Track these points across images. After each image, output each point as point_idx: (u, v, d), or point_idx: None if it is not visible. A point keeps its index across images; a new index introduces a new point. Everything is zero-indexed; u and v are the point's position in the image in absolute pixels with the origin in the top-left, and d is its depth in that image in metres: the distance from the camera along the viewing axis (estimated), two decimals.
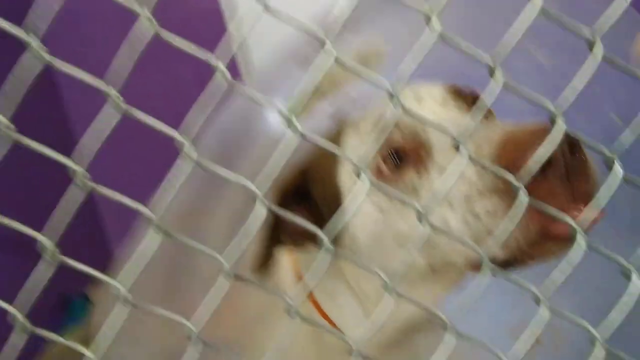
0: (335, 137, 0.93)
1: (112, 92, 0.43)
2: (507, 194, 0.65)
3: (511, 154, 0.64)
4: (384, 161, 0.81)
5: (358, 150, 0.88)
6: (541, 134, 0.60)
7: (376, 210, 0.82)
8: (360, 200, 0.50)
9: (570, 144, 0.62)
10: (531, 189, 0.61)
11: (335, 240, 0.89)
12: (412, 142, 0.81)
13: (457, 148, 0.49)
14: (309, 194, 0.96)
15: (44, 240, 0.48)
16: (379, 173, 0.82)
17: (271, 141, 1.00)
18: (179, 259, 0.87)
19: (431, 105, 0.86)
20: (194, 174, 0.70)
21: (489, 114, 0.92)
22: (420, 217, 0.52)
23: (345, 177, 0.89)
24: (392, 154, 0.81)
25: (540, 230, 0.64)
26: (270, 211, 0.51)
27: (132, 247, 0.68)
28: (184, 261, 0.88)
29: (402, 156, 0.81)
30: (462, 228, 0.71)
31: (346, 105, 1.04)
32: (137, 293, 0.76)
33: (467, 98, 0.88)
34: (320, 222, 0.94)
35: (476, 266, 0.75)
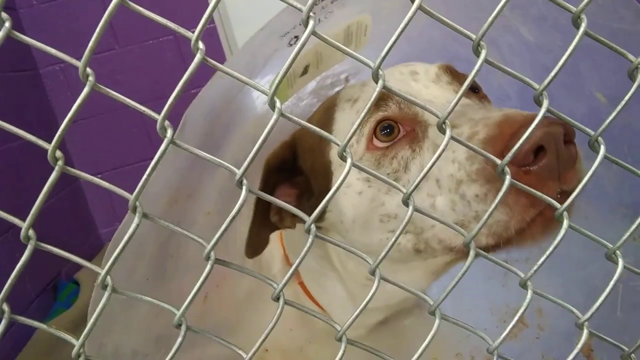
0: (329, 110, 0.92)
1: (85, 68, 0.42)
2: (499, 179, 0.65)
3: (506, 136, 0.64)
4: (378, 134, 0.81)
5: (351, 124, 0.88)
6: (540, 125, 0.60)
7: (364, 184, 0.82)
8: (342, 179, 0.49)
9: (566, 135, 0.62)
10: (522, 175, 0.61)
11: (322, 217, 0.90)
12: (409, 117, 0.81)
13: (443, 127, 0.49)
14: (296, 165, 0.97)
15: (25, 226, 0.47)
16: (371, 145, 0.82)
17: (255, 118, 1.00)
18: (166, 243, 0.86)
19: (424, 81, 0.86)
20: (180, 155, 0.69)
21: (485, 100, 0.92)
22: (405, 199, 0.51)
23: (336, 149, 0.89)
24: (388, 127, 0.81)
25: (526, 214, 0.64)
26: (252, 193, 0.50)
27: (118, 234, 0.68)
28: (171, 245, 0.88)
29: (398, 130, 0.81)
30: (447, 210, 0.71)
31: (332, 81, 1.03)
32: (126, 279, 0.76)
33: (460, 77, 0.88)
34: (308, 192, 0.95)
35: (458, 251, 0.75)
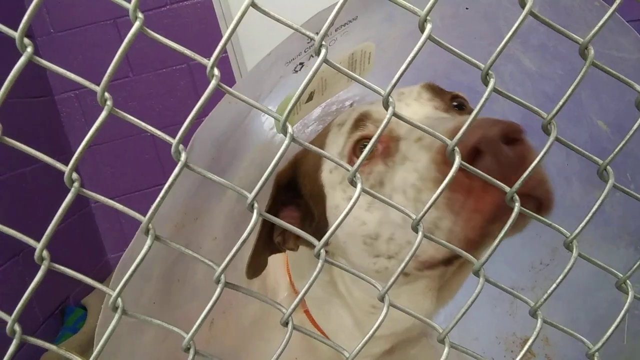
0: (324, 135, 0.95)
1: (104, 93, 0.43)
2: (452, 197, 0.65)
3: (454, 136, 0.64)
4: (358, 153, 0.84)
5: (336, 146, 0.90)
6: (484, 120, 0.60)
7: (348, 201, 0.82)
8: (353, 203, 0.49)
9: (509, 135, 0.61)
10: (463, 179, 0.62)
11: (327, 242, 0.91)
12: (385, 134, 0.83)
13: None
14: (297, 188, 0.98)
15: (39, 247, 0.48)
16: (351, 163, 0.82)
17: (261, 144, 1.01)
18: (173, 267, 0.87)
19: (407, 100, 0.89)
20: (187, 179, 0.70)
21: (465, 111, 0.93)
22: (415, 224, 0.51)
23: (325, 172, 0.91)
24: (365, 147, 0.82)
25: (477, 207, 0.63)
26: (262, 217, 0.51)
27: (127, 255, 0.68)
28: (178, 269, 0.88)
29: (377, 148, 0.82)
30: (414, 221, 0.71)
31: (337, 108, 1.05)
32: (133, 302, 0.77)
33: (444, 94, 0.90)
34: (310, 216, 0.96)
35: (428, 266, 0.74)
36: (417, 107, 0.87)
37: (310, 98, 1.02)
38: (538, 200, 0.65)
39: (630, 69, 0.84)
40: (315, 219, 0.95)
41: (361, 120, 0.86)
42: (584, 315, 1.13)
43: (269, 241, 0.97)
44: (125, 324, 0.54)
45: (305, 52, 0.85)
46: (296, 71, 0.89)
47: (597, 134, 1.01)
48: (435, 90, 0.91)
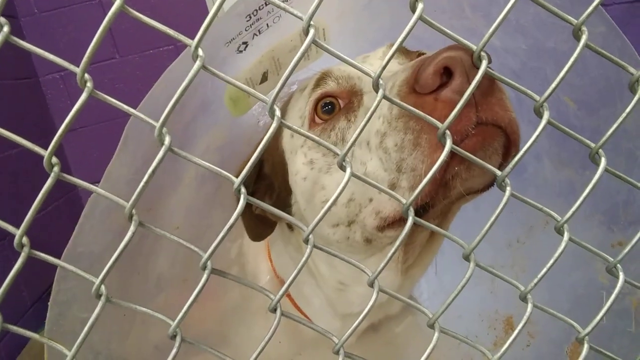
0: (286, 103, 0.96)
1: (84, 74, 0.42)
2: (415, 129, 0.64)
3: (416, 69, 0.63)
4: (319, 111, 0.84)
5: (297, 109, 0.90)
6: (454, 45, 0.57)
7: (307, 168, 0.83)
8: (341, 189, 0.48)
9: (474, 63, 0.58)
10: (432, 102, 0.60)
11: (291, 212, 0.91)
12: (346, 90, 0.83)
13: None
14: (262, 172, 0.98)
15: (19, 234, 0.47)
16: (313, 124, 0.84)
17: (219, 127, 0.99)
18: (132, 259, 0.84)
19: (372, 60, 0.88)
20: (128, 169, 0.68)
21: None
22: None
23: (286, 138, 0.91)
24: (329, 104, 0.83)
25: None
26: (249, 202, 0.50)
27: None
28: (139, 261, 0.86)
29: (339, 105, 0.83)
30: (379, 172, 0.69)
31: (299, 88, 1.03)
32: (88, 296, 0.74)
33: (410, 54, 0.90)
34: (270, 190, 0.97)
35: (393, 222, 0.73)
36: (380, 64, 0.85)
37: (264, 79, 0.99)
38: (505, 132, 0.63)
39: (595, 42, 0.83)
40: (275, 189, 0.95)
41: (322, 79, 0.85)
42: (564, 294, 1.13)
43: (251, 213, 0.97)
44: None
45: (246, 30, 0.82)
46: (240, 51, 0.86)
47: (564, 110, 1.00)
48: (401, 50, 0.89)
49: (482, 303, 1.38)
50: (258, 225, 1.00)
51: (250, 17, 0.79)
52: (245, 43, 0.84)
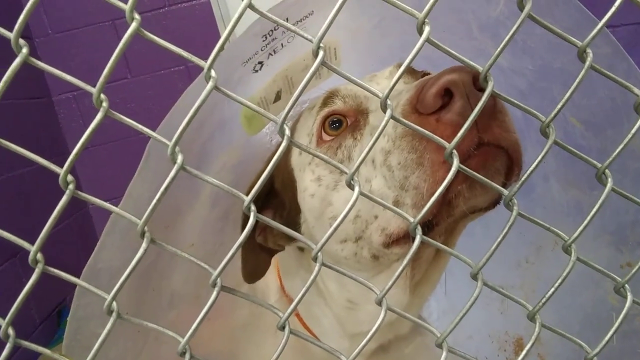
0: (295, 122, 0.96)
1: (100, 94, 0.43)
2: (418, 148, 0.65)
3: (419, 89, 0.64)
4: (327, 128, 0.85)
5: (306, 127, 0.91)
6: (456, 66, 0.58)
7: (315, 185, 0.84)
8: (350, 206, 0.49)
9: (477, 83, 0.59)
10: (433, 123, 0.61)
11: (300, 230, 0.91)
12: (352, 108, 0.84)
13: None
14: (273, 189, 0.98)
15: (34, 250, 0.48)
16: (320, 141, 0.85)
17: (235, 146, 1.00)
18: (146, 275, 0.84)
19: (378, 79, 0.90)
20: (149, 187, 0.69)
21: None
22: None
23: (295, 155, 0.91)
24: (337, 122, 0.84)
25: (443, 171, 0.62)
26: (259, 219, 0.50)
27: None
28: (153, 278, 0.86)
29: (346, 123, 0.84)
30: (384, 190, 0.70)
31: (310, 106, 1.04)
32: (103, 313, 0.75)
33: (415, 74, 0.91)
34: (281, 207, 0.96)
35: (398, 239, 0.73)
36: (387, 84, 0.86)
37: (278, 98, 1.01)
38: (507, 153, 0.64)
39: (600, 63, 0.84)
40: (286, 207, 0.95)
41: (329, 97, 0.87)
42: (573, 315, 1.12)
43: (253, 242, 0.97)
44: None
45: (262, 50, 0.84)
46: (256, 71, 0.87)
47: (571, 131, 1.01)
48: (407, 69, 0.90)
49: (492, 323, 1.37)
50: (256, 257, 0.99)
51: (266, 37, 0.81)
52: (260, 63, 0.85)
